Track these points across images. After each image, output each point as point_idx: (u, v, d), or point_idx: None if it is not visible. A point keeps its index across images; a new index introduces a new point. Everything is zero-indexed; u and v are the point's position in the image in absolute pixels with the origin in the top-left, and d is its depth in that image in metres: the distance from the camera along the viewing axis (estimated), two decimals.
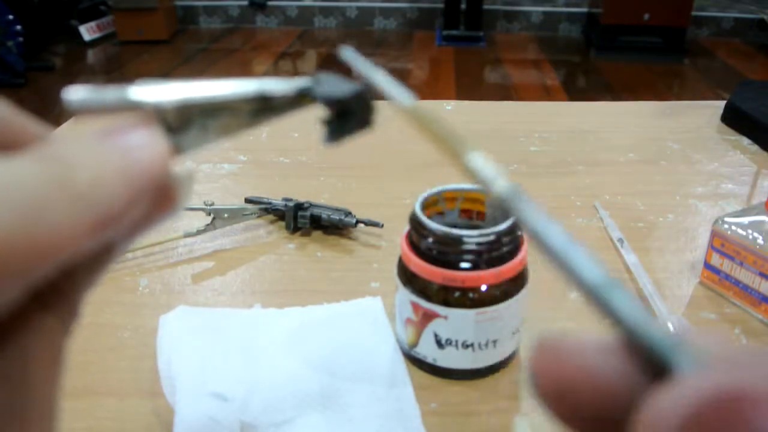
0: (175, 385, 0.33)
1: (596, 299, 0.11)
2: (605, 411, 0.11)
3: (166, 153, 0.15)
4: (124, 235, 0.15)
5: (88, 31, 3.18)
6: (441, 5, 3.35)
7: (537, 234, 0.12)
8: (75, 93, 0.15)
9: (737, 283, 0.41)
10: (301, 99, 0.16)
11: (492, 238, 0.32)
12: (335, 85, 0.16)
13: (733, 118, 0.71)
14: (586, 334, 0.12)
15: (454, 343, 0.34)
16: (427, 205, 0.36)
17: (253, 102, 0.16)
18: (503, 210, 0.14)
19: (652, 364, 0.11)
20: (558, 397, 0.11)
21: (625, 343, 0.11)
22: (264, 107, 0.16)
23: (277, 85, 0.16)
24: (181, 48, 3.22)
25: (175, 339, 0.36)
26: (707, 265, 0.43)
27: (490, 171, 0.14)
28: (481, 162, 0.14)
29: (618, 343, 0.11)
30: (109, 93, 0.15)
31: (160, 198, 0.16)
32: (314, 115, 0.17)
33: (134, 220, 0.15)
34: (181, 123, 0.16)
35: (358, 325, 0.39)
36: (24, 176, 0.12)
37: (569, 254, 0.12)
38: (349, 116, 0.17)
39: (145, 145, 0.15)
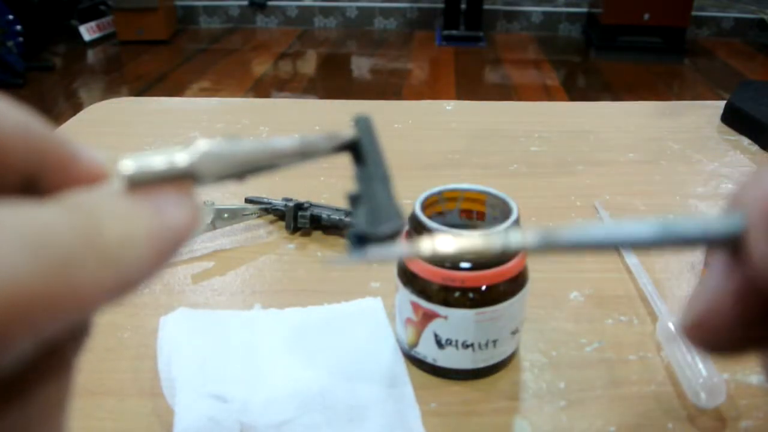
0: (175, 386, 0.33)
1: (666, 244, 0.14)
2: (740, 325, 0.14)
3: (197, 216, 0.14)
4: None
5: (88, 31, 3.18)
6: (441, 5, 3.35)
7: (586, 245, 0.15)
8: (127, 166, 0.14)
9: None
10: (339, 149, 0.17)
11: None
12: (375, 218, 0.17)
13: (733, 118, 0.71)
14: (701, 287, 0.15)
15: (454, 343, 0.34)
16: (427, 205, 0.36)
17: (292, 157, 0.17)
18: (558, 252, 0.15)
19: (732, 246, 0.14)
20: (710, 333, 0.15)
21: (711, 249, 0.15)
22: (301, 159, 0.17)
23: (318, 141, 0.17)
24: (181, 48, 3.22)
25: (175, 340, 0.36)
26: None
27: (515, 238, 0.15)
28: (503, 238, 0.15)
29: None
30: (157, 160, 0.15)
31: (181, 196, 0.15)
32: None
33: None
34: (219, 179, 0.16)
35: (359, 326, 0.39)
36: (53, 227, 0.11)
37: (618, 236, 0.15)
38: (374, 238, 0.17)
39: (178, 207, 0.14)
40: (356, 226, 0.17)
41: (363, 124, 0.18)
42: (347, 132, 0.18)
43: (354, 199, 0.17)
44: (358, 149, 0.18)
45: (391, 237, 0.17)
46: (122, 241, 0.12)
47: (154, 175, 0.15)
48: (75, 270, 0.11)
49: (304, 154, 0.17)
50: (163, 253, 0.13)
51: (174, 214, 0.14)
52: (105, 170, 0.15)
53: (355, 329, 0.39)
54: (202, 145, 0.15)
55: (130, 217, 0.13)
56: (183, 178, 0.15)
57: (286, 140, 0.16)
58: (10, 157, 0.13)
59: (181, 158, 0.15)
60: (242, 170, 0.16)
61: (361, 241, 0.16)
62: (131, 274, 0.12)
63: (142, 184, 0.15)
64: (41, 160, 0.14)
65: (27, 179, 0.13)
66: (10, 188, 0.13)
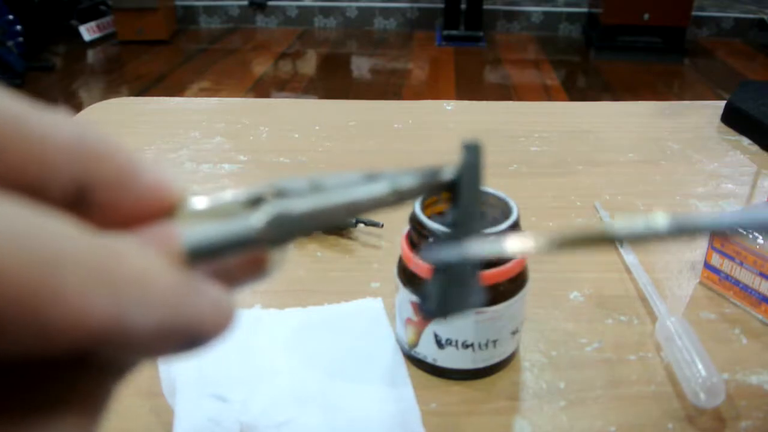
0: (175, 386, 0.33)
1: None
2: None
3: (226, 326, 0.13)
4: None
5: (88, 31, 3.18)
6: (441, 5, 3.35)
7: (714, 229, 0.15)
8: (190, 238, 0.13)
9: (737, 283, 0.41)
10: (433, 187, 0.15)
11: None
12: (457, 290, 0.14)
13: (733, 118, 0.71)
14: None
15: (454, 343, 0.34)
16: (427, 205, 0.36)
17: (380, 206, 0.14)
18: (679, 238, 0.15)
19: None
20: None
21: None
22: (390, 207, 0.15)
23: (412, 184, 0.15)
24: (181, 48, 3.22)
25: None
26: (707, 265, 0.43)
27: (638, 224, 0.14)
28: (624, 224, 0.15)
29: None
30: (221, 229, 0.13)
31: (252, 266, 0.14)
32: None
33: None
34: (290, 242, 0.14)
35: (359, 326, 0.39)
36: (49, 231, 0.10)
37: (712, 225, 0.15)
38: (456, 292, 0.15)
39: (213, 305, 0.12)
40: (426, 303, 0.14)
41: (471, 155, 0.16)
42: (447, 170, 0.15)
43: (436, 265, 0.15)
44: (455, 191, 0.15)
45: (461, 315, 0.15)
46: (136, 278, 0.11)
47: (217, 246, 0.13)
48: (59, 273, 0.10)
49: (392, 202, 0.14)
50: (167, 330, 0.12)
51: (206, 308, 0.12)
52: (171, 194, 0.13)
53: (356, 329, 0.39)
54: (271, 208, 0.13)
55: (156, 269, 0.12)
56: (249, 248, 0.13)
57: (371, 188, 0.14)
58: (53, 168, 0.12)
59: (248, 226, 0.13)
60: (318, 229, 0.14)
61: (429, 315, 0.14)
62: (128, 315, 0.11)
63: (202, 257, 0.13)
64: (92, 173, 0.13)
65: (75, 192, 0.12)
66: (54, 198, 0.12)
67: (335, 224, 0.12)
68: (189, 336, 0.12)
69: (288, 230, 0.13)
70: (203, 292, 0.12)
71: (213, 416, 0.31)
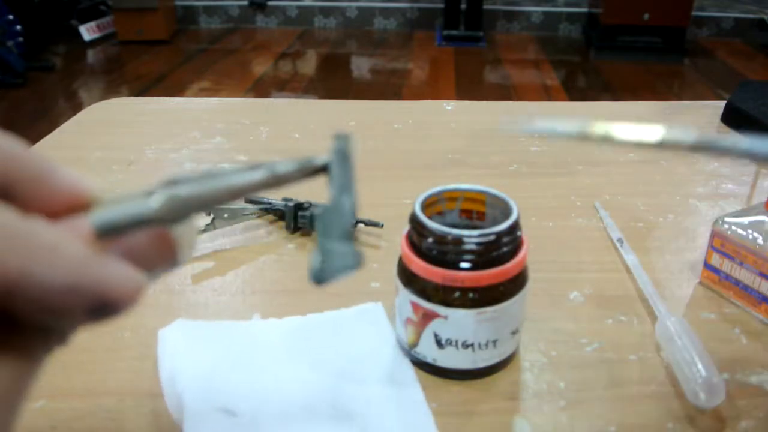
0: (182, 402, 0.32)
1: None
2: None
3: (130, 294, 0.16)
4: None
5: (88, 31, 3.18)
6: (441, 5, 3.35)
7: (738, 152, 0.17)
8: (97, 218, 0.16)
9: (737, 283, 0.41)
10: (313, 172, 0.18)
11: (492, 238, 0.32)
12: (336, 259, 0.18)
13: (733, 118, 0.71)
14: None
15: (454, 343, 0.34)
16: (427, 205, 0.36)
17: (259, 188, 0.17)
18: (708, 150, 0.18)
19: None
20: None
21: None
22: (269, 188, 0.18)
23: (287, 171, 0.18)
24: (181, 48, 3.22)
25: (177, 354, 0.36)
26: (707, 265, 0.43)
27: (677, 133, 0.18)
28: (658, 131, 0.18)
29: None
30: (123, 210, 0.16)
31: (160, 250, 0.17)
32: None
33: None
34: (183, 219, 0.17)
35: (361, 332, 0.39)
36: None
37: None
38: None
39: (119, 275, 0.15)
40: (312, 266, 0.18)
41: (341, 143, 0.18)
42: (320, 158, 0.18)
43: (313, 222, 0.19)
44: (329, 174, 0.18)
45: (341, 277, 0.18)
46: (46, 245, 0.14)
47: (121, 224, 0.16)
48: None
49: (271, 184, 0.17)
50: (74, 291, 0.15)
51: (111, 277, 0.15)
52: (80, 188, 0.17)
53: (358, 335, 0.38)
54: (165, 190, 0.16)
55: (68, 240, 0.15)
56: (149, 225, 0.16)
57: (251, 174, 0.17)
58: None
59: (145, 206, 0.16)
60: (207, 208, 0.17)
61: (317, 280, 0.18)
62: (35, 273, 0.14)
63: (109, 233, 0.16)
64: (13, 172, 0.16)
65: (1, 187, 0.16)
66: None
67: (222, 204, 0.17)
68: (96, 298, 0.15)
69: (179, 208, 0.16)
70: (109, 264, 0.15)
71: (223, 431, 0.31)
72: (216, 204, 0.17)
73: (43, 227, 0.15)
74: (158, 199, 0.16)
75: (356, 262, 0.18)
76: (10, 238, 0.14)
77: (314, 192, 0.55)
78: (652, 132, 0.18)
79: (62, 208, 0.16)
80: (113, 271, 0.15)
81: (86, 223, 0.16)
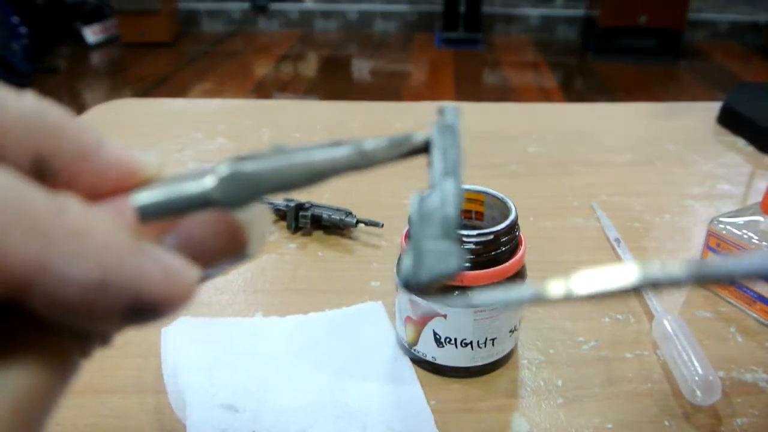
0: (185, 399, 0.33)
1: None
2: None
3: (179, 297, 0.13)
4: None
5: (91, 34, 3.19)
6: (440, 8, 3.36)
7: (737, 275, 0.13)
8: (141, 198, 0.13)
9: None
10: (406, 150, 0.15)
11: (490, 237, 0.33)
12: None
13: (729, 120, 0.71)
14: None
15: (453, 341, 0.35)
16: None
17: (341, 171, 0.14)
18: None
19: None
20: None
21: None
22: (354, 171, 0.14)
23: (377, 150, 0.14)
24: (184, 50, 3.23)
25: (179, 352, 0.36)
26: None
27: (658, 268, 0.13)
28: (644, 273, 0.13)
29: None
30: (174, 189, 0.13)
31: (224, 239, 0.14)
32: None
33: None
34: (246, 203, 0.14)
35: (362, 331, 0.39)
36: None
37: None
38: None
39: (165, 274, 0.12)
40: (402, 270, 0.14)
41: (449, 117, 0.15)
42: (419, 134, 0.15)
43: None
44: (430, 153, 0.15)
45: (437, 286, 0.14)
46: (74, 231, 0.12)
47: (171, 206, 0.13)
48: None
49: (357, 165, 0.14)
50: (103, 289, 0.12)
51: (151, 272, 0.12)
52: (131, 164, 0.14)
53: (359, 334, 0.39)
54: (225, 167, 0.13)
55: (100, 228, 0.12)
56: (205, 208, 0.13)
57: (333, 150, 0.14)
58: (14, 137, 0.13)
59: (200, 185, 0.13)
60: (278, 190, 0.13)
61: (407, 287, 0.14)
62: (57, 264, 0.11)
63: (156, 217, 0.13)
64: (52, 145, 0.13)
65: (36, 163, 0.13)
66: (17, 166, 0.13)
67: (296, 188, 0.13)
68: (132, 298, 0.12)
69: (242, 189, 0.13)
70: (153, 257, 0.12)
71: (225, 427, 0.31)
72: (289, 187, 0.13)
73: (72, 207, 0.12)
74: (216, 176, 0.13)
75: (457, 264, 0.13)
76: (30, 220, 0.11)
77: (315, 192, 0.55)
78: (625, 273, 0.13)
79: (110, 188, 0.14)
80: (155, 264, 0.12)
81: (128, 204, 0.13)
